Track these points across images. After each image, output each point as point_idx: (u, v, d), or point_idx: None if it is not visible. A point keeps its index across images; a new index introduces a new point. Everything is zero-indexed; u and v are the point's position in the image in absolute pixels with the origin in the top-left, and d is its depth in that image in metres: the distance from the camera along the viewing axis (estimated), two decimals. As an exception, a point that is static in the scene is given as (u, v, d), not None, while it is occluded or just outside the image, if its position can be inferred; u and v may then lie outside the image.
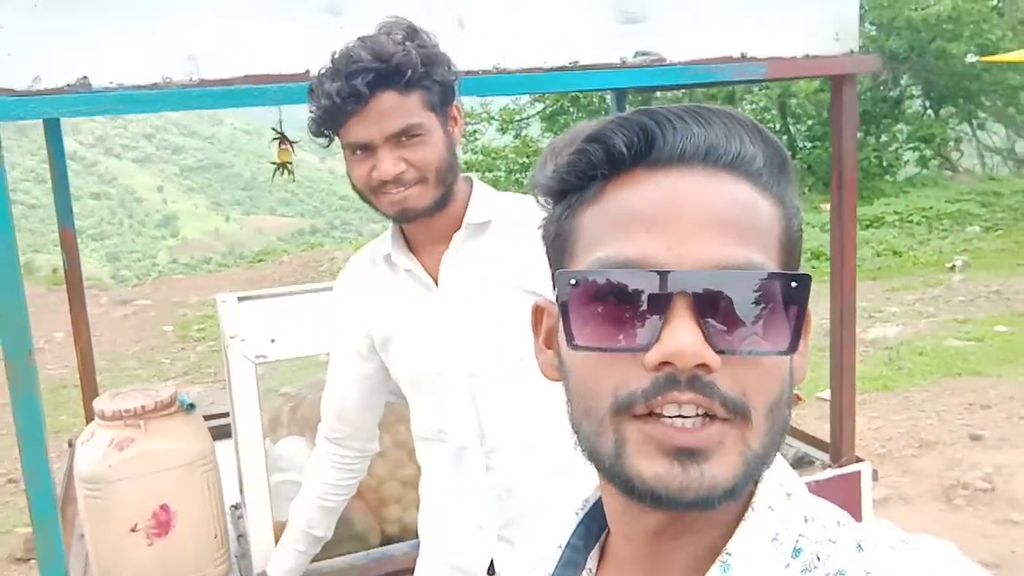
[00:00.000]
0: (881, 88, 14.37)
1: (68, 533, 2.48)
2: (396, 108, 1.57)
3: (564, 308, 0.66)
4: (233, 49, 1.89)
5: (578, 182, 0.69)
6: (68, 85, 1.79)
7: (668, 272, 0.62)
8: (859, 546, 0.65)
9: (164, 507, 2.11)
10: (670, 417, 0.62)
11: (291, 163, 2.29)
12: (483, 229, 1.70)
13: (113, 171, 55.64)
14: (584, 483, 1.81)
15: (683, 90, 13.74)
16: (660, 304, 0.62)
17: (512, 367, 1.66)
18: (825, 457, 2.66)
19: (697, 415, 0.61)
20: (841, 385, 2.59)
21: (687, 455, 0.61)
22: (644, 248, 0.63)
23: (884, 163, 14.19)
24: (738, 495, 0.64)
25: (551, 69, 2.08)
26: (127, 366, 8.25)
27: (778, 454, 0.68)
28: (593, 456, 0.67)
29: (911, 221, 11.67)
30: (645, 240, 0.64)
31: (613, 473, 0.65)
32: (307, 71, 1.94)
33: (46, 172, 3.19)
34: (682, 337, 0.60)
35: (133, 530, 2.08)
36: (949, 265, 9.91)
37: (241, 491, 2.29)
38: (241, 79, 1.89)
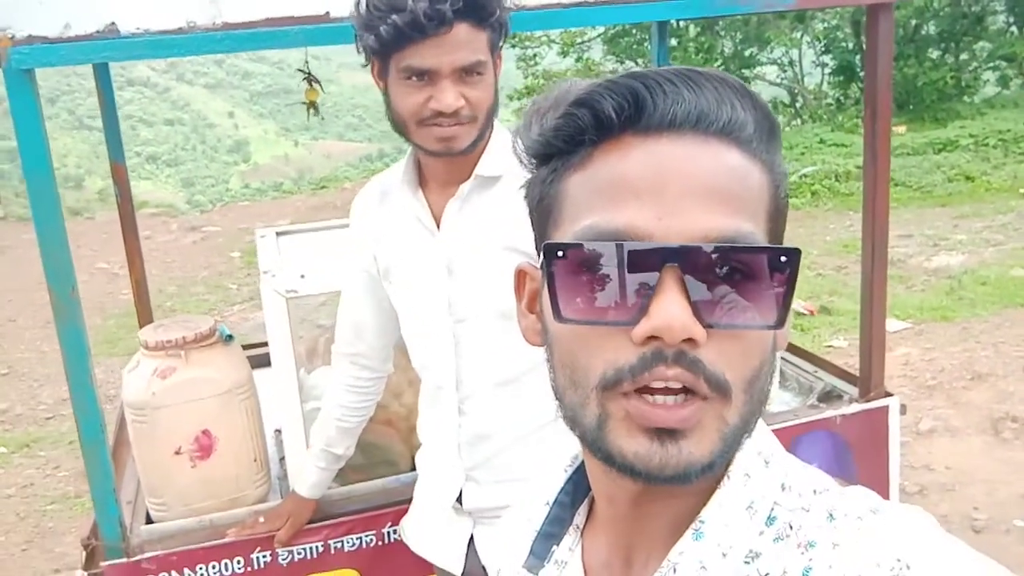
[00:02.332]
0: (962, 4, 13.71)
1: (126, 454, 2.65)
2: (469, 42, 1.54)
3: (551, 279, 0.64)
4: (255, -8, 1.94)
5: (565, 147, 0.67)
6: (97, 31, 1.86)
7: (657, 243, 0.61)
8: (830, 515, 0.66)
9: (205, 432, 2.24)
10: (653, 394, 0.62)
11: (317, 102, 2.34)
12: (492, 183, 1.69)
13: (186, 97, 56.48)
14: (549, 441, 1.81)
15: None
16: (648, 276, 0.61)
17: (494, 322, 1.69)
18: (855, 391, 2.67)
19: (681, 391, 0.62)
20: (871, 319, 2.58)
21: (667, 434, 0.62)
22: (633, 218, 0.62)
23: (962, 84, 13.63)
24: (716, 469, 0.64)
25: (570, 5, 2.08)
26: (196, 291, 8.54)
27: (760, 420, 0.69)
28: (575, 425, 0.67)
29: (986, 144, 11.21)
30: (634, 209, 0.62)
31: (595, 446, 0.65)
32: (327, 13, 1.97)
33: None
34: (671, 311, 0.60)
35: (177, 453, 2.22)
36: (1023, 191, 9.57)
37: (282, 417, 2.40)
38: (263, 22, 1.93)
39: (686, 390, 0.62)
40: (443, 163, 1.70)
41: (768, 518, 0.67)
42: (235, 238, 10.27)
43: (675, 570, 0.67)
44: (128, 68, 52.48)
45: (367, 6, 1.57)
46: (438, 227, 1.74)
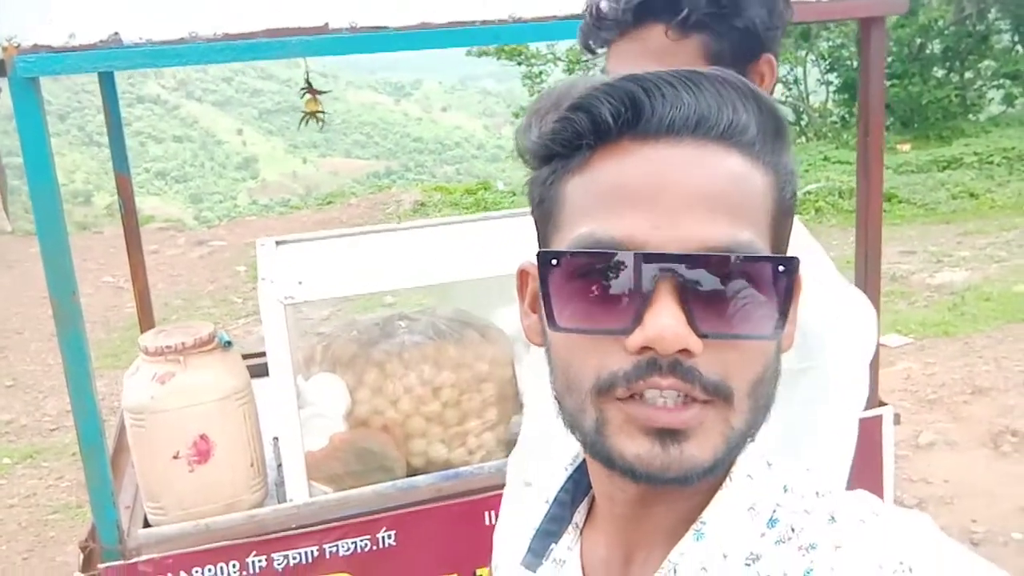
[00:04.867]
0: (967, 23, 13.76)
1: (125, 460, 2.68)
2: (664, 50, 1.21)
3: (545, 287, 0.64)
4: (255, 4, 1.98)
5: (563, 150, 0.67)
6: (101, 41, 1.90)
7: (652, 253, 0.61)
8: (832, 518, 0.65)
9: (203, 437, 2.26)
10: (651, 398, 0.62)
11: (321, 111, 2.38)
12: None
13: (195, 114, 56.82)
14: None
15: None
16: (643, 286, 0.61)
17: None
18: (849, 401, 2.68)
19: (678, 397, 0.62)
20: (865, 330, 2.59)
21: (668, 435, 0.62)
22: (629, 226, 0.62)
23: (967, 102, 13.67)
24: (717, 472, 0.65)
25: (566, 17, 2.11)
26: (201, 305, 8.58)
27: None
28: (574, 429, 0.67)
29: (991, 162, 11.23)
30: (630, 218, 0.62)
31: (594, 450, 0.66)
32: (326, 24, 2.01)
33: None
34: (664, 321, 0.60)
35: (175, 457, 2.24)
36: (1028, 208, 9.58)
37: (280, 424, 2.42)
38: (262, 32, 1.97)
39: (684, 396, 0.62)
40: None
41: (770, 520, 0.67)
42: (241, 252, 10.31)
43: (675, 571, 0.67)
44: (138, 85, 52.85)
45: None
46: None
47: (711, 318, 0.61)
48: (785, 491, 0.68)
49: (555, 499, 0.80)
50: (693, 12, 1.19)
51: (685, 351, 0.60)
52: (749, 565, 0.65)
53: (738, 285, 0.61)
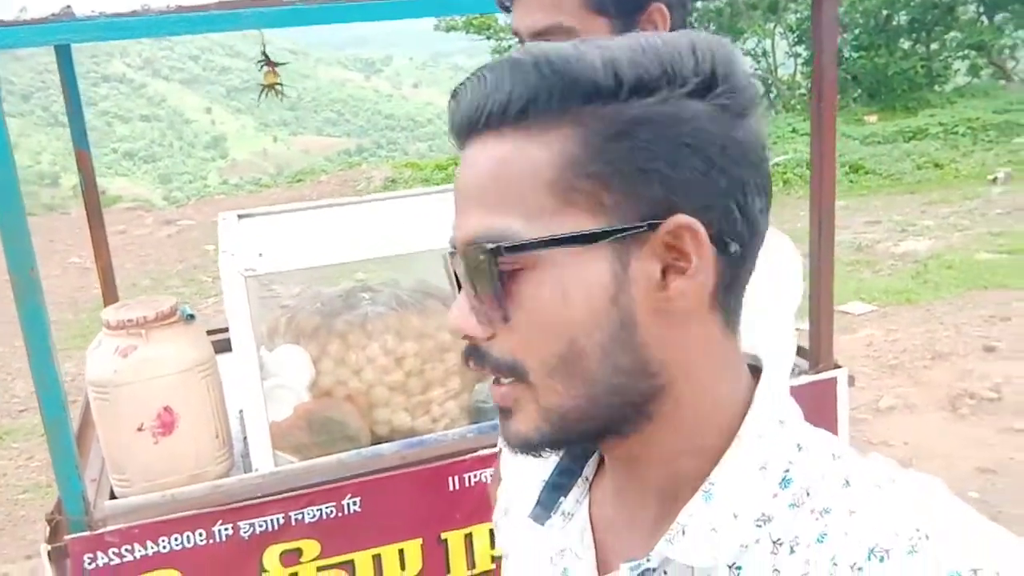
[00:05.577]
0: (932, -7, 13.87)
1: (92, 435, 2.69)
2: (550, 4, 1.29)
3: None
4: (208, -25, 1.98)
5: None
6: (53, 14, 1.90)
7: (445, 252, 0.71)
8: (846, 482, 0.64)
9: (167, 409, 2.28)
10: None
11: (279, 84, 2.38)
12: None
13: (162, 93, 56.09)
14: None
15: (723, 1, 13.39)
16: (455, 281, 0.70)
17: None
18: (805, 364, 2.74)
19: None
20: (819, 293, 2.65)
21: (502, 411, 0.69)
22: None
23: (933, 73, 13.80)
24: (549, 446, 0.68)
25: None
26: (170, 284, 8.54)
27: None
28: None
29: (956, 132, 11.40)
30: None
31: None
32: (280, -5, 2.02)
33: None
34: (451, 311, 0.68)
35: (139, 430, 2.26)
36: (991, 177, 9.72)
37: (245, 396, 2.44)
38: (216, 4, 1.98)
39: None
40: None
41: (783, 480, 0.65)
42: (210, 231, 10.24)
43: (684, 532, 0.66)
44: (103, 64, 52.07)
45: None
46: None
47: (480, 305, 0.66)
48: (799, 450, 0.67)
49: (565, 451, 0.78)
50: None
51: (472, 337, 0.67)
52: (760, 527, 0.65)
53: (475, 276, 0.65)
